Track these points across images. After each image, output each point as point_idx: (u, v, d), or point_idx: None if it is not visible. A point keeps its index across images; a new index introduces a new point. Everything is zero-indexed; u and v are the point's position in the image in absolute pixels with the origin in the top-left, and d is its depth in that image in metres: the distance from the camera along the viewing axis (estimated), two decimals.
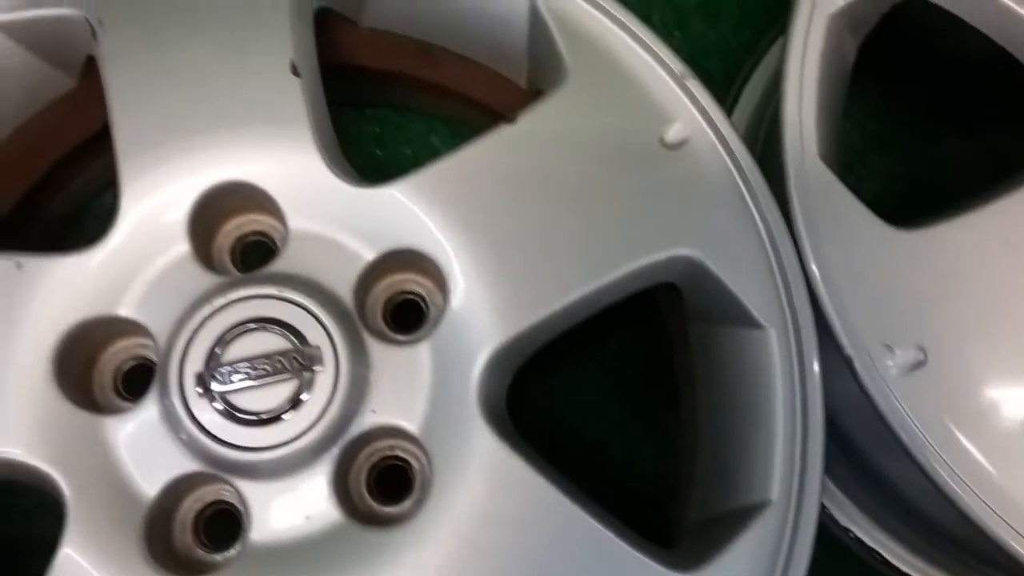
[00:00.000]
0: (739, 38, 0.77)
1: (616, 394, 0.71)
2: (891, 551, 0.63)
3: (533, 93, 0.57)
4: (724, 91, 0.74)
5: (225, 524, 0.49)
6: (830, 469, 0.52)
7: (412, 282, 0.51)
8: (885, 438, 0.50)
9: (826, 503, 0.64)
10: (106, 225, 0.73)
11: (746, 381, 0.49)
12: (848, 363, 0.48)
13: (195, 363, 0.46)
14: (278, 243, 0.52)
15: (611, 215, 0.49)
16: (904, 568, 0.63)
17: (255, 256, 0.53)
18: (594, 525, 0.46)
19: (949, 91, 0.73)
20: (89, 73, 0.57)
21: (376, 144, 0.75)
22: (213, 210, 0.50)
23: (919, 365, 0.48)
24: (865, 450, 0.60)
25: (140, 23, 0.52)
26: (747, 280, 0.48)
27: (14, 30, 0.54)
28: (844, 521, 0.65)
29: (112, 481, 0.46)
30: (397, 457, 0.49)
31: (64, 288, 0.48)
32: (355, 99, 0.70)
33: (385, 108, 0.75)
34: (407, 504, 0.49)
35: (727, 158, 0.49)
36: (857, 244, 0.49)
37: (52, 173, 0.65)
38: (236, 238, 0.53)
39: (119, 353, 0.51)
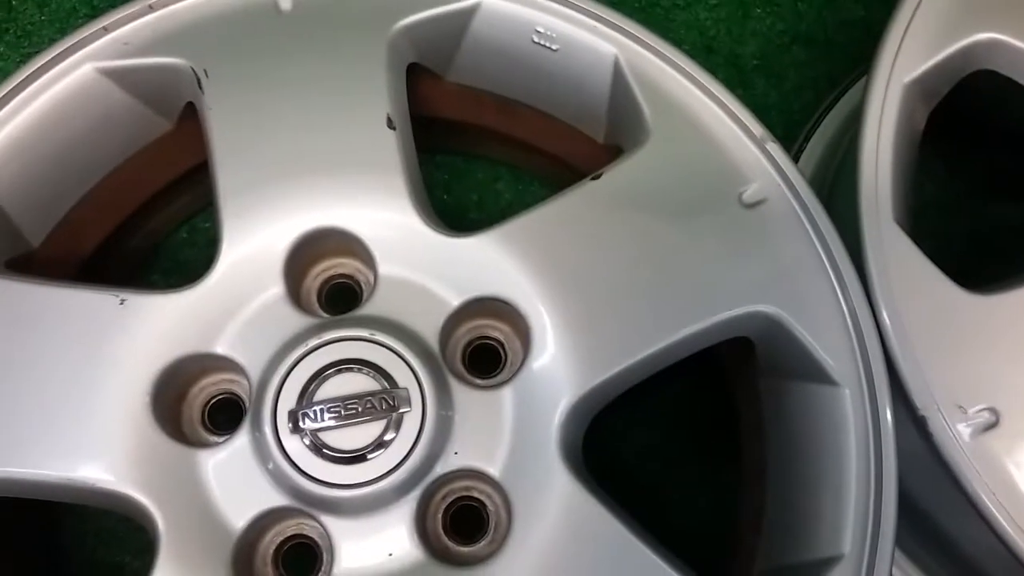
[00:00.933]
0: (800, 99, 0.79)
1: (670, 440, 0.72)
2: None
3: (610, 148, 0.60)
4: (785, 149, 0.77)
5: (301, 558, 0.51)
6: None
7: (492, 328, 0.53)
8: (950, 497, 0.51)
9: None
10: (178, 258, 0.77)
11: (818, 436, 0.50)
12: (921, 423, 0.49)
13: (288, 401, 0.48)
14: (363, 286, 0.55)
15: (691, 271, 0.50)
16: None
17: (339, 298, 0.55)
18: (670, 572, 0.47)
19: (1009, 157, 0.75)
20: (185, 118, 0.60)
21: (444, 190, 0.78)
22: (307, 253, 0.53)
23: (992, 426, 0.49)
24: (924, 507, 0.60)
25: (244, 74, 0.54)
26: (823, 338, 0.49)
27: (121, 76, 0.57)
28: None
29: (202, 512, 0.48)
30: (472, 498, 0.51)
31: (164, 324, 0.50)
32: (430, 147, 0.73)
33: (453, 155, 0.78)
34: (481, 544, 0.50)
35: (804, 218, 0.51)
36: (932, 307, 0.50)
37: (138, 211, 0.68)
38: (323, 280, 0.55)
39: (208, 388, 0.53)
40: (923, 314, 0.50)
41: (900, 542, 0.63)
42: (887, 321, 0.50)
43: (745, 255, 0.51)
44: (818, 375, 0.50)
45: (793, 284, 0.50)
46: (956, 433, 0.49)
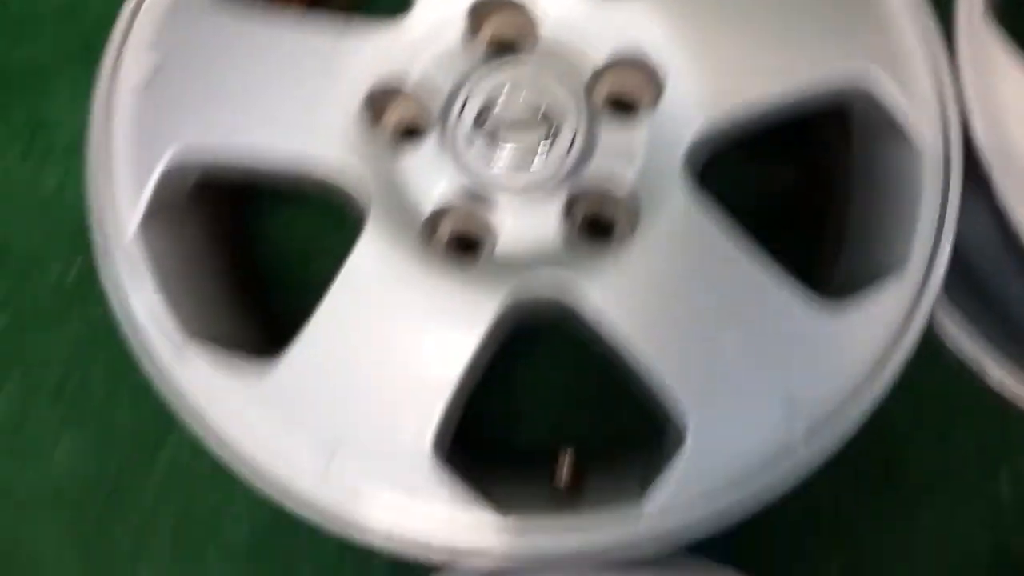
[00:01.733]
0: None
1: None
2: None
3: None
4: None
5: (471, 237, 0.64)
6: None
7: (631, 76, 0.64)
8: (1011, 260, 0.61)
9: None
10: None
11: (898, 188, 0.61)
12: (987, 172, 0.59)
13: (471, 112, 0.61)
14: (526, 43, 0.66)
15: (802, 36, 0.60)
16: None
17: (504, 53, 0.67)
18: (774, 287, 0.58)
19: None
20: None
21: None
22: (483, 11, 0.65)
23: None
24: (978, 268, 0.70)
25: None
26: (913, 106, 0.59)
27: None
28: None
29: (399, 198, 0.62)
30: (606, 201, 0.63)
31: (373, 50, 0.63)
32: None
33: None
34: (612, 242, 0.62)
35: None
36: (1009, 83, 0.60)
37: None
38: (492, 35, 0.67)
39: (402, 105, 0.65)
40: (1001, 88, 0.59)
41: (955, 299, 0.73)
42: (970, 92, 0.59)
43: (851, 27, 0.60)
44: (904, 139, 0.60)
45: (890, 55, 0.60)
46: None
